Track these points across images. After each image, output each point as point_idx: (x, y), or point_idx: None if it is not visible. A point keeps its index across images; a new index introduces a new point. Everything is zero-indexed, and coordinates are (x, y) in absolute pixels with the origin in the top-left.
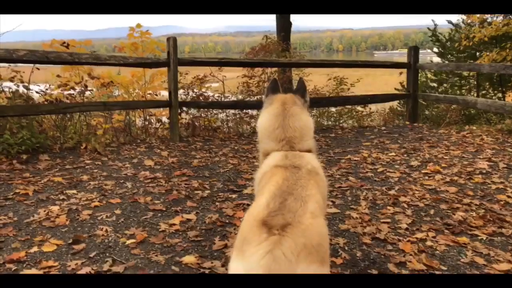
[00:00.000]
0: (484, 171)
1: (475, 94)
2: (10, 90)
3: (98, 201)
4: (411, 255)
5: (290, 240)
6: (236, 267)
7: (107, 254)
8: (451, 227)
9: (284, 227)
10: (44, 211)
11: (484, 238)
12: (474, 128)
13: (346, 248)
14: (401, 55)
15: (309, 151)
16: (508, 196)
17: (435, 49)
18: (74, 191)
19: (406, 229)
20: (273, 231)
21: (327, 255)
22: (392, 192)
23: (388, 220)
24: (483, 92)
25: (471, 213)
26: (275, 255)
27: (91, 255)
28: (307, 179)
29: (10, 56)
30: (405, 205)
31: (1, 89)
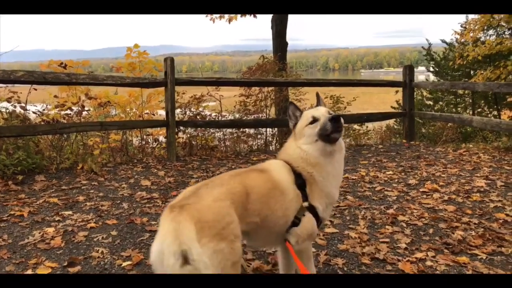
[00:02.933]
0: (482, 189)
1: (471, 112)
2: (7, 110)
3: (94, 222)
4: None
5: (186, 213)
6: (153, 244)
7: None
8: (450, 246)
9: (182, 207)
10: (39, 232)
11: (484, 258)
12: (471, 146)
13: (345, 268)
14: (386, 74)
15: (282, 160)
16: (507, 214)
17: (430, 68)
18: (70, 212)
19: (405, 248)
20: (173, 210)
21: (227, 232)
22: (390, 211)
23: (387, 239)
24: (479, 110)
25: (470, 232)
26: (169, 222)
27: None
28: (246, 172)
29: (8, 77)
30: (404, 224)
31: None
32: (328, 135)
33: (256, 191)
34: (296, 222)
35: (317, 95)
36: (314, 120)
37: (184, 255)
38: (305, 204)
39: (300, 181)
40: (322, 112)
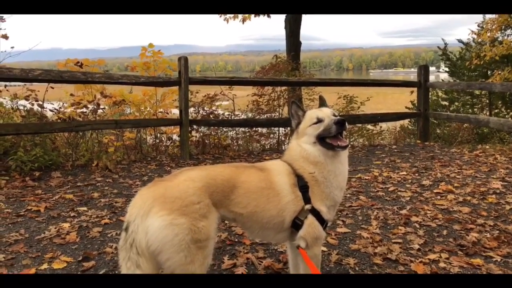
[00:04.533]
0: (498, 191)
1: (488, 113)
2: (25, 108)
3: (108, 219)
4: None
5: (153, 189)
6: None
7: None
8: (464, 248)
9: (155, 183)
10: (55, 228)
11: (499, 260)
12: (487, 147)
13: (357, 268)
14: (395, 74)
15: (285, 161)
16: None
17: (446, 68)
18: (85, 208)
19: (418, 249)
20: (147, 186)
21: (190, 210)
22: (403, 211)
23: (400, 240)
24: (496, 111)
25: (485, 234)
26: (139, 196)
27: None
28: (245, 167)
29: (26, 75)
30: (417, 225)
31: (16, 107)
32: (330, 143)
33: (245, 186)
34: (299, 224)
35: (320, 97)
36: (319, 121)
37: (127, 226)
38: (308, 206)
39: (302, 183)
40: (326, 114)
